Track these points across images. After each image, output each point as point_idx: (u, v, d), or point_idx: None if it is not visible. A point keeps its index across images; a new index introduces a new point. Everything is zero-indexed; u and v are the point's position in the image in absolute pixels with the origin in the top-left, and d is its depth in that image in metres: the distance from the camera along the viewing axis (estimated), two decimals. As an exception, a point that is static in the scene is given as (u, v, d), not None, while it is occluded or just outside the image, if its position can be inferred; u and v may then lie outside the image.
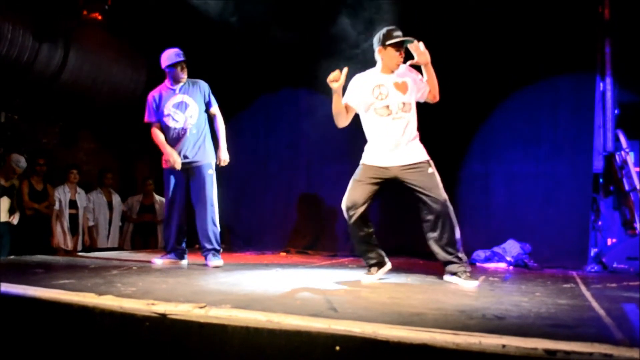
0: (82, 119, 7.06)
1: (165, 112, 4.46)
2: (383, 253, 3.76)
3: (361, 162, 3.70)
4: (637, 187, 5.43)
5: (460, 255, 3.57)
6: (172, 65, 4.41)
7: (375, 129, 3.64)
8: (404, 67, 3.69)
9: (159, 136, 4.51)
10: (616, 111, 5.45)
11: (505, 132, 5.85)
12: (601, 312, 2.39)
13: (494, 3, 5.45)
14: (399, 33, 3.60)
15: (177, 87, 4.48)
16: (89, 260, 4.48)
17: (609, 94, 5.38)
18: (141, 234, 7.14)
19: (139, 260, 4.67)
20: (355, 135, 6.43)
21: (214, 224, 4.45)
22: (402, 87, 3.62)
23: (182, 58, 4.41)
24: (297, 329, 1.85)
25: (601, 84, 5.42)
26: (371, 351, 1.74)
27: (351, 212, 3.56)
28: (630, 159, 5.49)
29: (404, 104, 3.59)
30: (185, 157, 4.44)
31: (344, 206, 3.61)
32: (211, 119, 4.60)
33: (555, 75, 5.61)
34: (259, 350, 1.88)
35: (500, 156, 5.84)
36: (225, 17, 5.81)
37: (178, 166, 4.38)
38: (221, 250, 4.53)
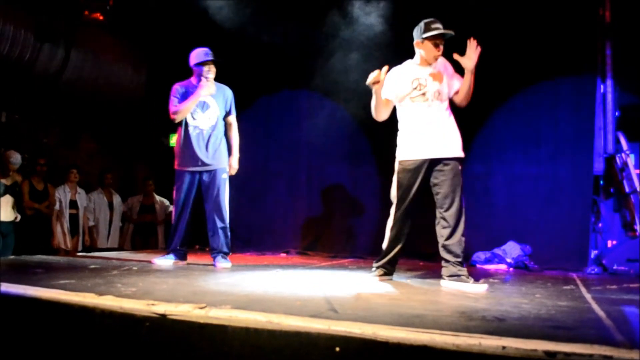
0: (83, 119, 7.08)
1: None
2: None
3: (398, 159, 3.66)
4: (638, 189, 5.43)
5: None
6: (200, 64, 4.38)
7: (410, 118, 3.62)
8: (441, 61, 3.67)
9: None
10: (617, 113, 5.45)
11: (506, 133, 5.85)
12: (601, 314, 2.39)
13: (496, 5, 5.45)
14: (437, 25, 3.55)
15: None
16: (89, 261, 4.48)
17: (609, 96, 5.39)
18: (141, 235, 7.14)
19: (139, 260, 4.66)
20: (354, 137, 6.48)
21: (226, 228, 4.47)
22: (439, 77, 3.60)
23: (210, 58, 4.38)
24: (297, 330, 1.85)
25: (602, 86, 5.42)
26: (371, 352, 1.73)
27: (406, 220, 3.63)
28: (631, 161, 5.49)
29: (439, 92, 3.57)
30: (200, 159, 4.44)
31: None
32: (227, 127, 4.60)
33: (556, 76, 5.61)
34: (259, 351, 1.87)
35: (501, 157, 5.84)
36: (226, 19, 5.81)
37: (209, 90, 4.38)
38: (230, 253, 4.55)
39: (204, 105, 4.46)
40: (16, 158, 5.72)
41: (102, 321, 2.17)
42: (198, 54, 4.41)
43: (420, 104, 3.57)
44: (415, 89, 3.57)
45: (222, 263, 4.36)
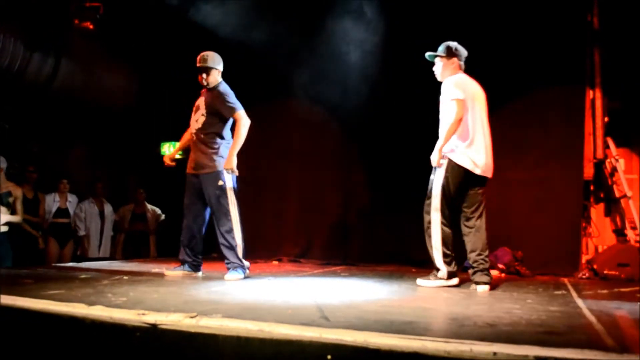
0: (74, 128, 7.04)
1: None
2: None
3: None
4: (627, 194, 5.48)
5: None
6: None
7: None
8: None
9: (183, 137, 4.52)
10: (606, 119, 5.50)
11: (496, 138, 5.86)
12: (592, 318, 2.40)
13: (487, 12, 5.50)
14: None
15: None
16: (80, 271, 4.44)
17: (598, 102, 5.44)
18: (133, 244, 7.08)
19: (130, 270, 4.62)
20: (345, 145, 6.49)
21: (226, 238, 4.09)
22: None
23: (199, 66, 4.28)
24: (289, 338, 1.85)
25: (591, 92, 5.47)
26: (363, 360, 1.73)
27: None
28: (620, 166, 5.54)
29: None
30: (192, 164, 4.24)
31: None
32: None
33: (545, 83, 5.64)
34: (250, 360, 1.87)
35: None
36: (216, 27, 5.82)
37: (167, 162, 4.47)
38: (244, 264, 4.14)
39: (197, 108, 4.29)
40: (2, 161, 5.42)
41: (92, 331, 2.16)
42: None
43: None
44: None
45: (228, 275, 4.05)
